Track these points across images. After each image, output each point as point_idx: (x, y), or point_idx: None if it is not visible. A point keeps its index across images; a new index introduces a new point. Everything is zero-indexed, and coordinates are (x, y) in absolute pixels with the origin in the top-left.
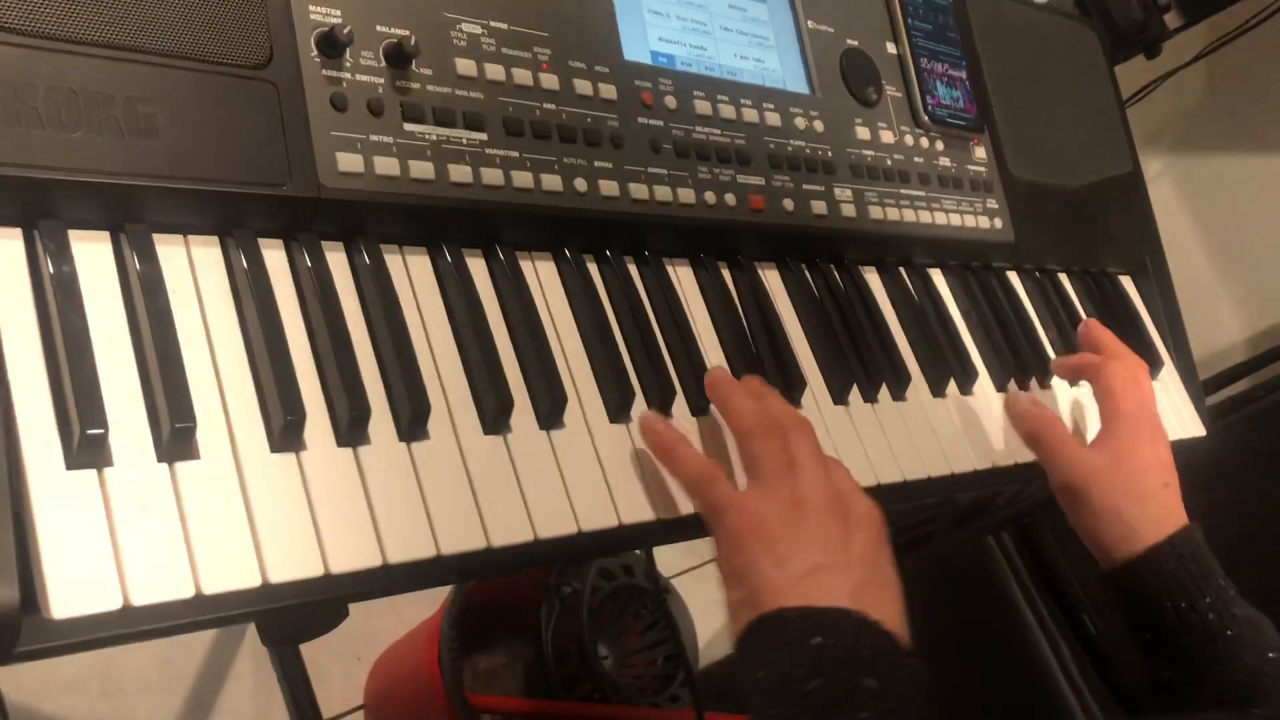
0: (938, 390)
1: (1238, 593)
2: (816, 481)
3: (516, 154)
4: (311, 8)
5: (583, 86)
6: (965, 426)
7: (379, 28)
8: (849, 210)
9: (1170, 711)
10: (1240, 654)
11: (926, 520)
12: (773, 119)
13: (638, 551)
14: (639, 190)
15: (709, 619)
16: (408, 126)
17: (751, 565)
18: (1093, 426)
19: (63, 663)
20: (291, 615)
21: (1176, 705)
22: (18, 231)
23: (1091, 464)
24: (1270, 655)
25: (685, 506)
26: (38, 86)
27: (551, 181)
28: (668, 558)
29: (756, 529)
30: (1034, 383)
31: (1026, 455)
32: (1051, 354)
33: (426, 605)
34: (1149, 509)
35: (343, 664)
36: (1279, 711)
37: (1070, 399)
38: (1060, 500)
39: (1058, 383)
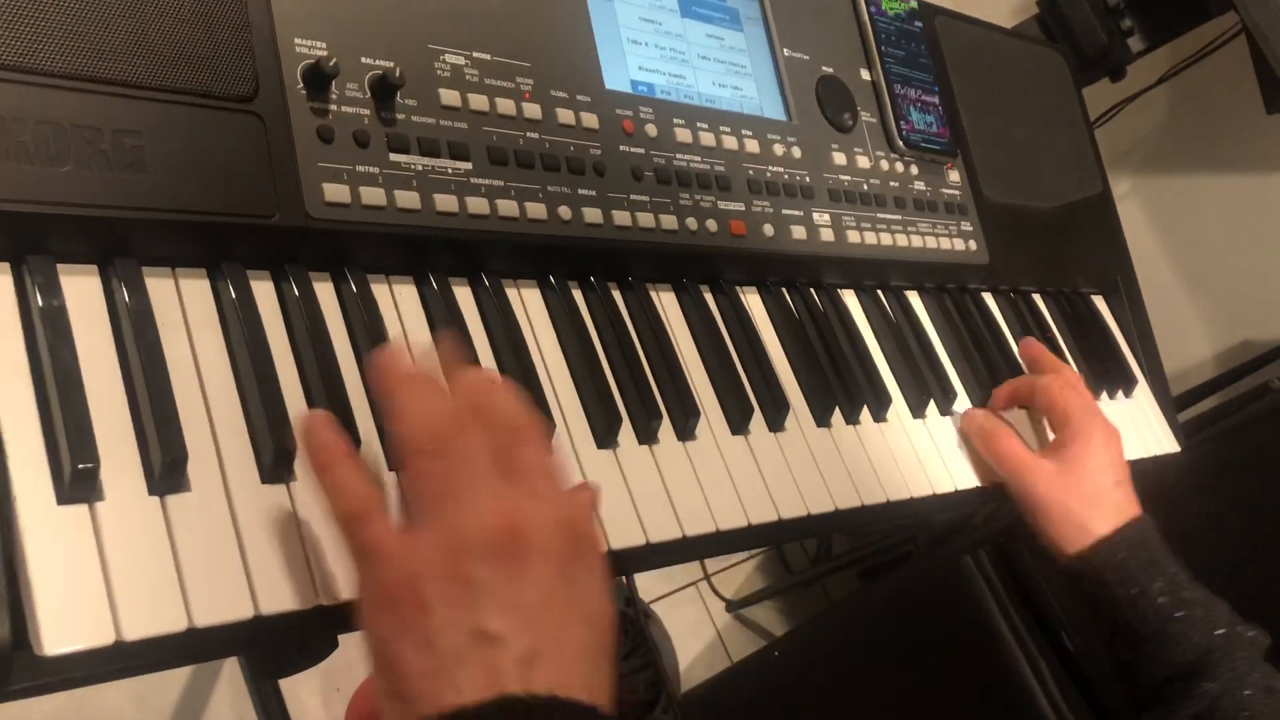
0: (918, 411)
1: (1191, 578)
2: (488, 506)
3: (501, 183)
4: (297, 41)
5: (565, 115)
6: (945, 447)
7: (364, 60)
8: (827, 234)
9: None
10: (1190, 634)
11: (904, 541)
12: (751, 146)
13: (620, 577)
14: (622, 217)
15: (690, 644)
16: (393, 157)
17: (391, 646)
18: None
19: (35, 703)
20: (282, 648)
21: (1134, 685)
22: (6, 266)
23: (1045, 471)
24: (1218, 632)
25: (671, 531)
26: (26, 121)
27: (536, 209)
28: (647, 582)
29: (401, 589)
30: None
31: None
32: (1028, 374)
33: None
34: (1102, 508)
35: (321, 696)
36: (1227, 678)
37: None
38: (1021, 509)
39: None
